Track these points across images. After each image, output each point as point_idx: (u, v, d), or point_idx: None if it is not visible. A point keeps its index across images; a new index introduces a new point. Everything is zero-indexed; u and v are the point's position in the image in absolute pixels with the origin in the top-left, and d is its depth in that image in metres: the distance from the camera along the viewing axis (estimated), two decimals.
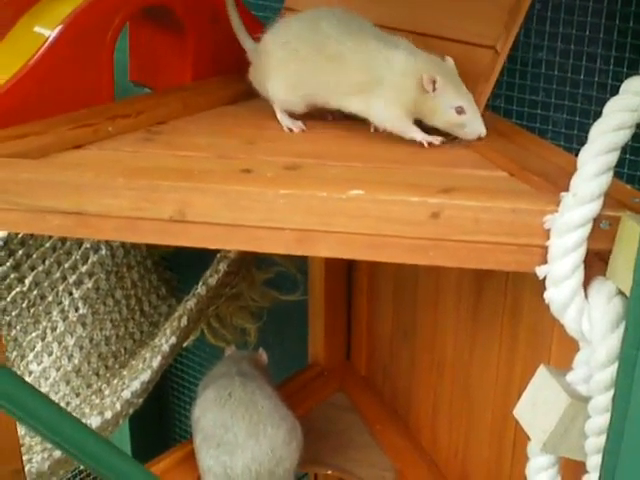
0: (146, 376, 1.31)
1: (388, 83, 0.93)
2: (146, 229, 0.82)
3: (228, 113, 1.08)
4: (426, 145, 0.92)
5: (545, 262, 0.75)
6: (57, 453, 1.21)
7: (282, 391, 1.32)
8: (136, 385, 1.30)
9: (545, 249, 0.75)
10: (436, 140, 0.92)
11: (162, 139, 0.97)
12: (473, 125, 0.92)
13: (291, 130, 0.99)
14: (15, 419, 0.78)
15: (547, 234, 0.74)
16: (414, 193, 0.77)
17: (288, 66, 0.99)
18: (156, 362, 1.33)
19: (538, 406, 0.80)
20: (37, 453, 1.23)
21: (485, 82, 0.97)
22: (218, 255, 1.39)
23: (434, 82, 0.90)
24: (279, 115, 1.01)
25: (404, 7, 1.06)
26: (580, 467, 0.77)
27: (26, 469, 1.15)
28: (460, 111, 0.91)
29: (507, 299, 1.04)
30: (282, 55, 0.99)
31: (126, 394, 1.29)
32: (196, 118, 1.05)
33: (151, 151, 0.93)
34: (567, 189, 0.73)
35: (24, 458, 1.19)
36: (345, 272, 1.47)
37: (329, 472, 1.33)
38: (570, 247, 0.73)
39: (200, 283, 1.36)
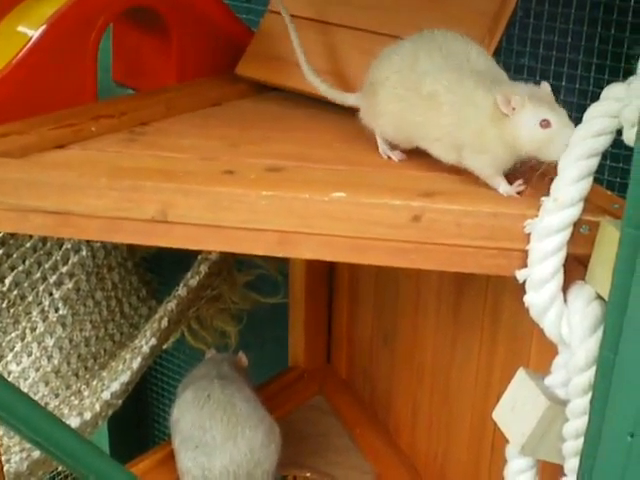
0: (126, 377, 1.30)
1: (474, 128, 0.82)
2: (129, 229, 0.82)
3: (212, 115, 1.08)
4: (506, 195, 0.82)
5: (525, 266, 0.76)
6: (36, 453, 1.20)
7: (262, 393, 1.32)
8: (115, 386, 1.29)
9: (525, 253, 0.75)
10: (519, 188, 0.82)
11: (145, 140, 0.97)
12: (560, 138, 0.77)
13: (389, 158, 0.92)
14: None
15: (527, 238, 0.75)
16: (396, 196, 0.77)
17: (388, 106, 0.90)
18: (136, 363, 1.32)
19: (517, 409, 0.80)
20: (15, 453, 1.23)
21: None
22: (199, 257, 1.38)
23: (510, 101, 0.79)
24: (380, 144, 0.93)
25: (387, 12, 1.06)
26: (558, 470, 0.78)
27: (4, 469, 1.15)
28: (545, 125, 0.78)
29: (487, 302, 1.04)
30: (383, 94, 0.90)
31: (105, 395, 1.28)
32: (180, 119, 1.05)
33: (134, 152, 0.93)
34: (547, 194, 0.74)
35: (2, 458, 1.18)
36: (326, 275, 1.47)
37: (308, 475, 1.33)
38: (550, 251, 0.74)
39: (181, 285, 1.35)
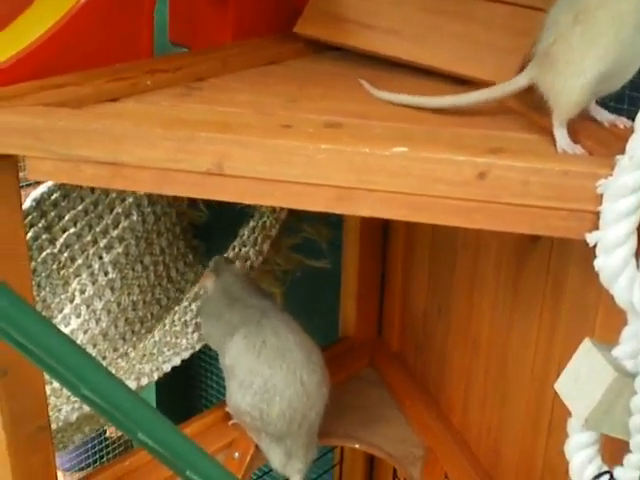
0: (187, 354, 1.31)
1: None
2: (182, 181, 0.80)
3: (269, 72, 1.05)
4: (570, 151, 0.79)
5: (596, 228, 0.72)
6: (86, 407, 1.20)
7: None
8: (177, 361, 1.30)
9: (596, 215, 0.71)
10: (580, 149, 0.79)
11: (201, 94, 0.95)
12: None
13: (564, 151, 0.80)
14: (17, 347, 0.75)
15: (599, 199, 0.71)
16: (461, 152, 0.74)
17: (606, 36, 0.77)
18: (199, 345, 1.34)
19: (581, 380, 0.77)
20: (67, 404, 1.22)
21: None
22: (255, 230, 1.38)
23: None
24: (559, 132, 0.81)
25: None
26: (623, 446, 0.74)
27: (54, 416, 1.14)
28: None
29: (550, 273, 1.00)
30: (603, 17, 0.77)
31: (167, 367, 1.29)
32: (236, 76, 1.03)
33: (190, 105, 0.91)
34: (622, 153, 0.70)
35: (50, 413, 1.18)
36: (380, 243, 1.44)
37: (356, 446, 1.30)
38: (623, 213, 0.70)
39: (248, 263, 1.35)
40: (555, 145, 0.80)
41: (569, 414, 0.77)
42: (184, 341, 1.32)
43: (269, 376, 1.16)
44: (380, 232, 1.44)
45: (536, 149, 0.80)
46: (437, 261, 1.29)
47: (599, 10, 0.78)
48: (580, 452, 0.79)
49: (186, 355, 1.30)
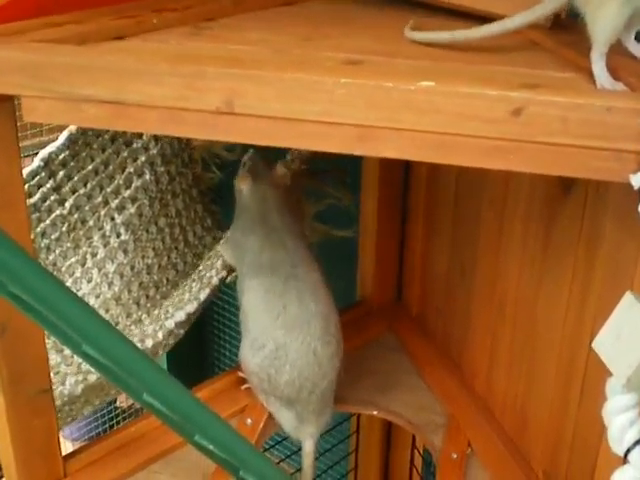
0: (192, 307, 1.25)
1: None
2: (190, 121, 0.74)
3: (283, 12, 1.00)
4: (610, 87, 0.72)
5: None
6: (92, 377, 1.15)
7: None
8: (181, 315, 1.24)
9: None
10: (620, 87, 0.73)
11: (210, 34, 0.89)
12: None
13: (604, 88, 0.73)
14: (13, 301, 0.70)
15: None
16: (494, 87, 0.68)
17: None
18: (203, 294, 1.26)
19: (623, 337, 0.71)
20: (71, 375, 1.17)
21: None
22: None
23: None
24: (598, 66, 0.74)
25: None
26: None
27: (58, 391, 1.10)
28: None
29: (583, 226, 0.94)
30: None
31: (170, 323, 1.23)
32: (248, 16, 0.97)
33: (198, 44, 0.85)
34: None
35: (58, 383, 1.14)
36: (399, 202, 1.38)
37: (375, 413, 1.25)
38: None
39: None
40: (594, 83, 0.74)
41: (607, 375, 0.71)
42: (187, 294, 1.26)
43: (282, 344, 1.11)
44: (400, 189, 1.37)
45: (574, 85, 0.73)
46: (460, 219, 1.23)
47: None
48: (620, 415, 0.73)
49: (190, 308, 1.23)
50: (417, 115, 0.69)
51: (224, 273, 1.27)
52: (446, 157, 0.70)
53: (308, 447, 1.17)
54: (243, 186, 1.20)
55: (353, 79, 0.69)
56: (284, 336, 1.11)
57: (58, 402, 1.10)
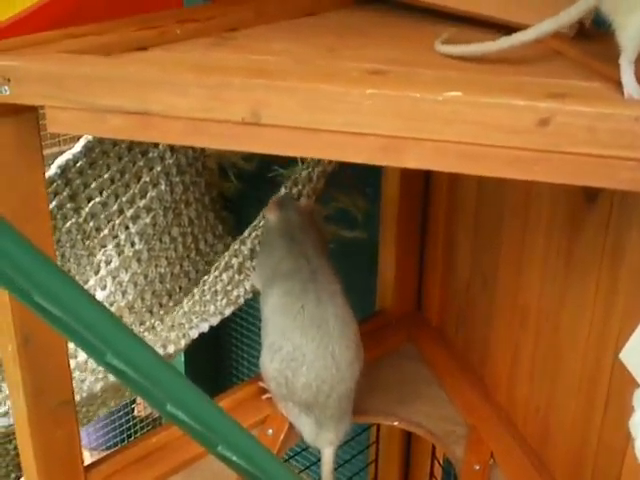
0: (215, 320, 1.27)
1: None
2: (215, 132, 0.74)
3: (306, 23, 0.99)
4: (637, 96, 0.70)
5: None
6: (111, 377, 1.15)
7: None
8: (205, 327, 1.25)
9: None
10: None
11: (234, 44, 0.89)
12: None
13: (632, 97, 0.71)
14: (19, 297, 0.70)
15: None
16: (520, 97, 0.67)
17: None
18: (228, 310, 1.29)
19: None
20: (86, 379, 1.17)
21: None
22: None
23: None
24: (627, 75, 0.72)
25: None
26: None
27: (76, 389, 1.10)
28: None
29: (608, 237, 0.93)
30: None
31: (194, 333, 1.24)
32: (270, 27, 0.97)
33: (222, 54, 0.85)
34: None
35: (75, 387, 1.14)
36: (420, 212, 1.37)
37: (395, 423, 1.24)
38: None
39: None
40: (621, 92, 0.73)
41: (633, 385, 0.70)
42: (212, 307, 1.26)
43: (299, 344, 1.11)
44: (420, 199, 1.37)
45: (601, 95, 0.73)
46: (482, 229, 1.23)
47: None
48: None
49: (214, 321, 1.24)
50: (443, 125, 0.68)
51: (250, 295, 1.29)
52: (471, 167, 0.70)
53: (327, 455, 1.17)
54: (270, 215, 1.22)
55: (379, 90, 0.69)
56: (301, 337, 1.11)
57: (77, 397, 1.10)
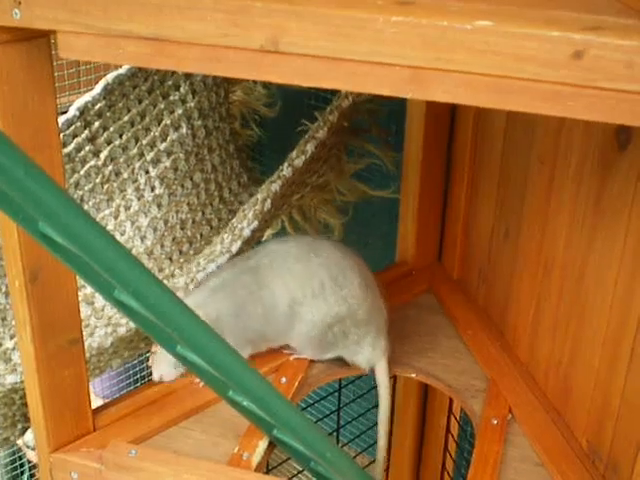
0: (223, 260, 1.21)
1: None
2: (234, 60, 0.71)
3: None
4: None
5: None
6: (121, 330, 1.13)
7: None
8: (212, 268, 1.20)
9: None
10: None
11: None
12: None
13: None
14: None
15: None
16: (554, 28, 0.64)
17: None
18: (235, 247, 1.22)
19: None
20: (100, 328, 1.15)
21: None
22: (306, 136, 1.27)
23: None
24: None
25: None
26: None
27: (87, 343, 1.07)
28: None
29: (639, 186, 0.89)
30: None
31: (201, 276, 1.20)
32: None
33: None
34: None
35: (87, 336, 1.12)
36: (443, 160, 1.34)
37: (413, 375, 1.22)
38: None
39: (285, 164, 1.24)
40: None
41: None
42: (218, 247, 1.22)
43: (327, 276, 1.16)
44: (444, 148, 1.33)
45: (639, 29, 0.69)
46: (506, 178, 1.19)
47: None
48: None
49: (222, 261, 1.20)
50: (472, 56, 0.65)
51: (255, 224, 1.22)
52: (502, 102, 0.66)
53: (383, 368, 1.19)
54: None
55: (405, 17, 0.65)
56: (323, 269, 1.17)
57: (86, 354, 1.08)
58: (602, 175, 0.96)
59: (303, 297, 1.15)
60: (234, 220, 1.24)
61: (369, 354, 1.18)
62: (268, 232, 1.51)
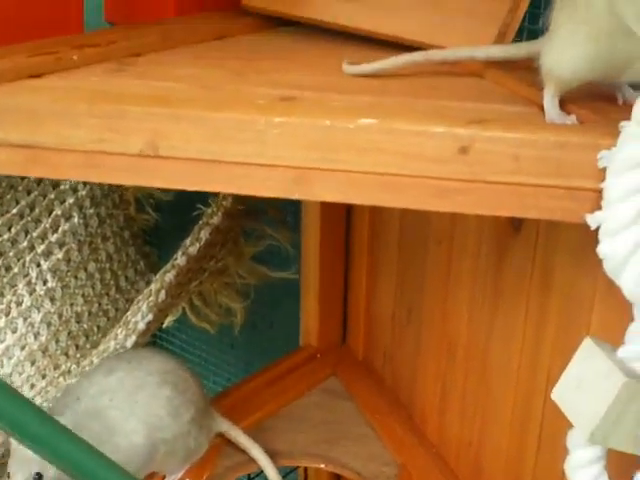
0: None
1: None
2: (111, 166, 0.68)
3: (214, 47, 0.94)
4: (560, 122, 0.68)
5: (599, 208, 0.61)
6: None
7: (269, 375, 1.23)
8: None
9: (599, 193, 0.61)
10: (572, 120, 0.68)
11: (135, 70, 0.83)
12: None
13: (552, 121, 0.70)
14: None
15: (602, 174, 0.60)
16: (439, 123, 0.63)
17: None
18: (130, 342, 1.18)
19: (584, 387, 0.66)
20: None
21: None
22: (199, 222, 1.24)
23: None
24: (549, 102, 0.70)
25: None
26: (632, 462, 0.66)
27: None
28: None
29: (535, 266, 0.90)
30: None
31: None
32: (177, 51, 0.91)
33: (121, 80, 0.79)
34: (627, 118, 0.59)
35: None
36: (342, 244, 1.33)
37: (322, 466, 1.18)
38: (631, 189, 0.59)
39: (180, 252, 1.21)
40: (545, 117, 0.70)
41: (566, 422, 0.66)
42: (112, 343, 1.17)
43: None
44: (342, 230, 1.32)
45: (525, 119, 0.69)
46: (406, 259, 1.18)
47: None
48: (584, 470, 0.68)
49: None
50: (357, 155, 0.64)
51: (150, 316, 1.17)
52: (390, 200, 0.65)
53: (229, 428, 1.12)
54: None
55: (287, 117, 0.64)
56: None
57: None
58: (498, 256, 0.96)
59: (160, 421, 1.03)
60: (128, 313, 1.20)
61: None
62: (169, 319, 1.48)
